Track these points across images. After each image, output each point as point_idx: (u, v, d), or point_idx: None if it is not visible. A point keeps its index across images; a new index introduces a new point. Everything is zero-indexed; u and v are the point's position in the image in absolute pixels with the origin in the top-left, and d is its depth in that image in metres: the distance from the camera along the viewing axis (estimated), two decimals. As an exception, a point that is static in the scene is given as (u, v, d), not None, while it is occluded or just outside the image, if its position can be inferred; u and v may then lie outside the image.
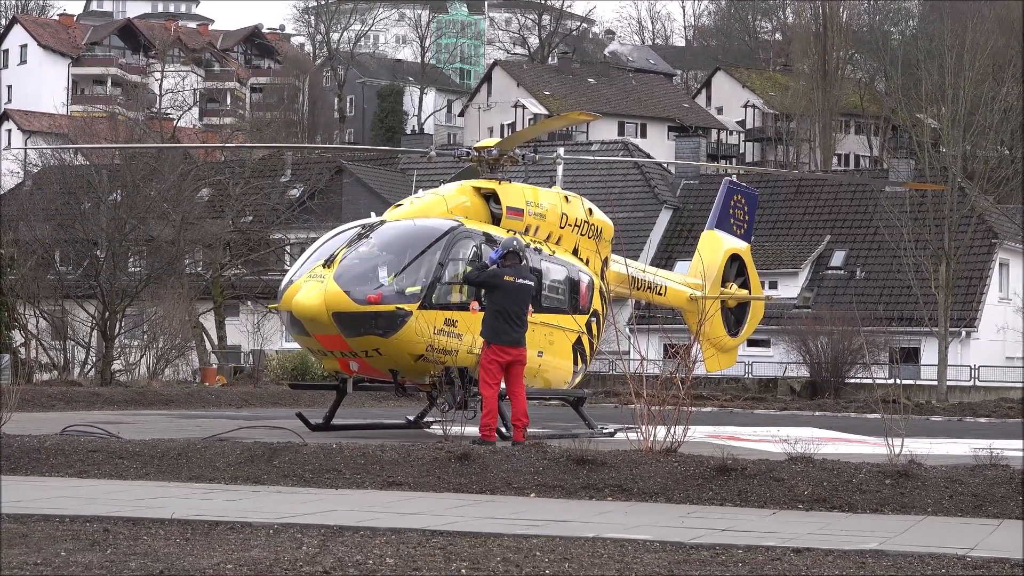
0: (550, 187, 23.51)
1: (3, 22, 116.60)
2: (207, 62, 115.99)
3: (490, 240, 20.65)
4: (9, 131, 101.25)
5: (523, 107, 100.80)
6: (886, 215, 53.62)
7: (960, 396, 48.29)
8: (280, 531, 10.53)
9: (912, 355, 55.56)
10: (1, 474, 13.82)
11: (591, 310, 22.38)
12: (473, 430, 17.99)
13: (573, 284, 22.11)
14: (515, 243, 18.35)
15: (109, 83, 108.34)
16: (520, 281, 17.95)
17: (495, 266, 18.13)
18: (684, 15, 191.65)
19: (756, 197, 30.30)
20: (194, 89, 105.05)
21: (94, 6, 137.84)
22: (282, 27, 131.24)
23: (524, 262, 18.52)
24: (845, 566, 9.46)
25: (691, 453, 13.95)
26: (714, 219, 28.26)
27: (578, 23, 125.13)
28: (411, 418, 22.83)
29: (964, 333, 56.05)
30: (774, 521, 11.68)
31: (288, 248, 57.71)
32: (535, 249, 21.46)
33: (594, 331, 22.59)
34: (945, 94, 51.74)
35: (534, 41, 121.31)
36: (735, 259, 28.03)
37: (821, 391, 45.84)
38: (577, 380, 22.71)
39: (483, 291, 18.49)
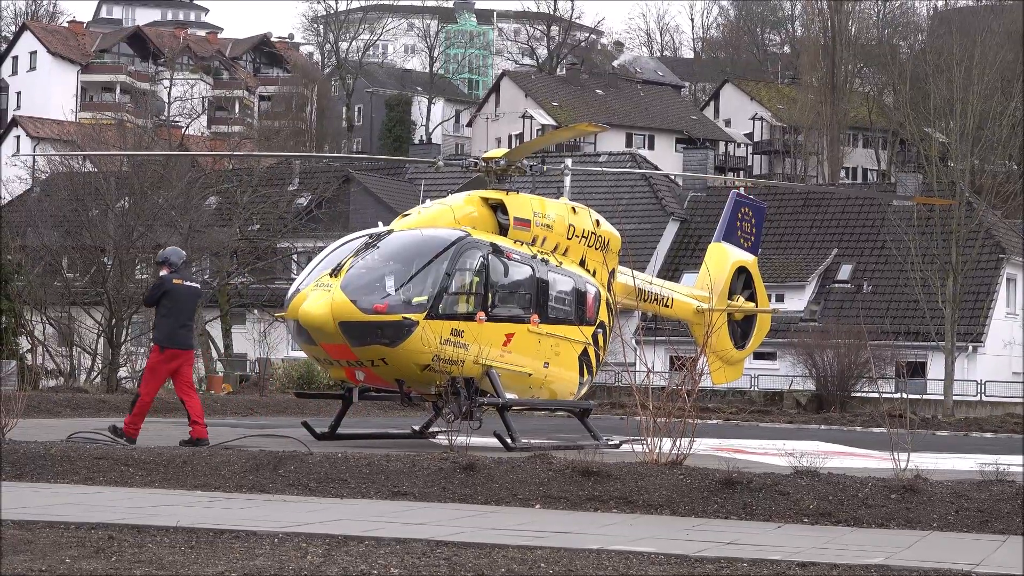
0: (558, 198, 23.49)
1: (13, 29, 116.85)
2: (216, 70, 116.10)
3: (497, 250, 20.62)
4: (18, 137, 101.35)
5: (531, 118, 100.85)
6: (893, 229, 53.60)
7: (966, 411, 48.19)
8: (285, 540, 10.52)
9: (918, 369, 55.51)
10: (5, 480, 13.83)
11: (598, 321, 22.35)
12: (479, 440, 17.98)
13: (580, 295, 22.08)
14: (178, 253, 19.10)
15: (118, 90, 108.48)
16: (188, 284, 18.93)
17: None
18: (693, 27, 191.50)
19: (763, 210, 30.26)
20: (202, 97, 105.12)
21: (103, 13, 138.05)
22: (291, 36, 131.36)
23: (185, 270, 19.41)
24: (850, 581, 9.45)
25: (696, 466, 13.93)
26: (721, 231, 28.22)
27: (587, 34, 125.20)
28: (417, 428, 22.80)
29: (971, 348, 56.01)
30: (779, 535, 11.66)
31: (295, 257, 57.67)
32: (542, 260, 21.45)
33: (600, 342, 22.55)
34: (953, 108, 51.71)
35: (542, 52, 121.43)
36: (742, 272, 27.98)
37: (827, 405, 45.75)
38: (583, 391, 22.67)
39: (156, 303, 18.89)
